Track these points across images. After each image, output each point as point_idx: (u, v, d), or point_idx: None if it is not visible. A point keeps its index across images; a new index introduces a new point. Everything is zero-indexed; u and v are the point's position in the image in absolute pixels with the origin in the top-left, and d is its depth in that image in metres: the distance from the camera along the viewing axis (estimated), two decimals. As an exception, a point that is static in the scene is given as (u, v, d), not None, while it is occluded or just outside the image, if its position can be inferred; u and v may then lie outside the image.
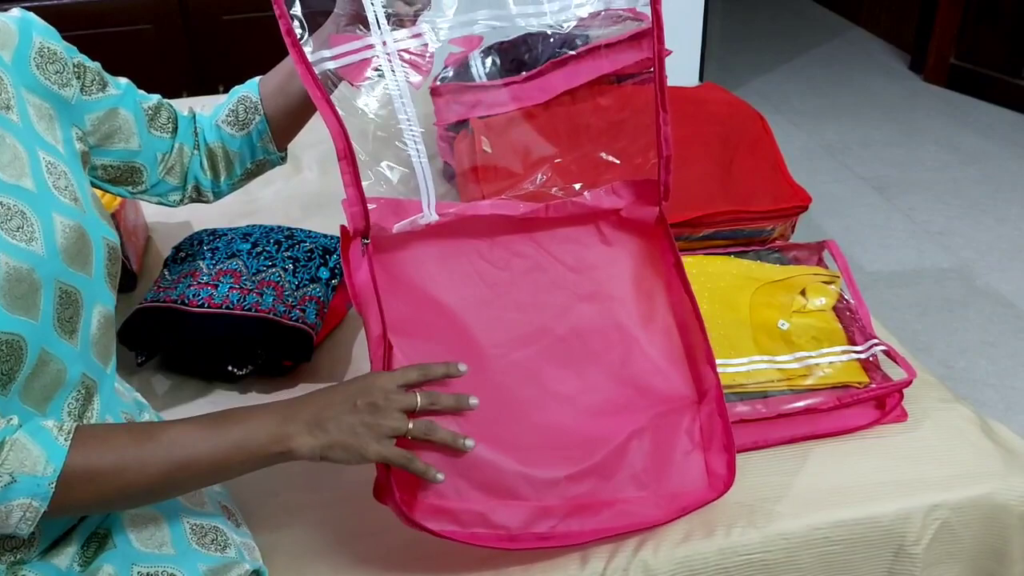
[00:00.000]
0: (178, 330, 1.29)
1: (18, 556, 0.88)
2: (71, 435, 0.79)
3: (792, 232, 1.55)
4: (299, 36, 0.90)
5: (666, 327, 1.11)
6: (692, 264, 1.40)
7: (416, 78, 0.94)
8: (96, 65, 1.03)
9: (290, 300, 1.33)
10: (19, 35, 0.92)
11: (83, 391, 0.90)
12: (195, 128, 1.14)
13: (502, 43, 1.74)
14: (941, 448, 1.18)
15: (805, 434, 1.19)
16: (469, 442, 0.92)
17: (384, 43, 0.92)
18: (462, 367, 0.94)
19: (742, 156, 1.55)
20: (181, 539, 0.94)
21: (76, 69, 0.99)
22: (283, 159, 1.19)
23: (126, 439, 0.83)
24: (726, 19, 4.63)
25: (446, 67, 1.77)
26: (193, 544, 0.95)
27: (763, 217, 1.48)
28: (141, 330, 1.31)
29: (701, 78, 3.42)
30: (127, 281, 1.50)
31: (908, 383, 1.21)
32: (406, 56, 0.93)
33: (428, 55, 0.95)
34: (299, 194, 1.83)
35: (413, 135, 0.94)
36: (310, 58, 0.89)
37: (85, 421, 0.91)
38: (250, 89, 1.14)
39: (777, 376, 1.23)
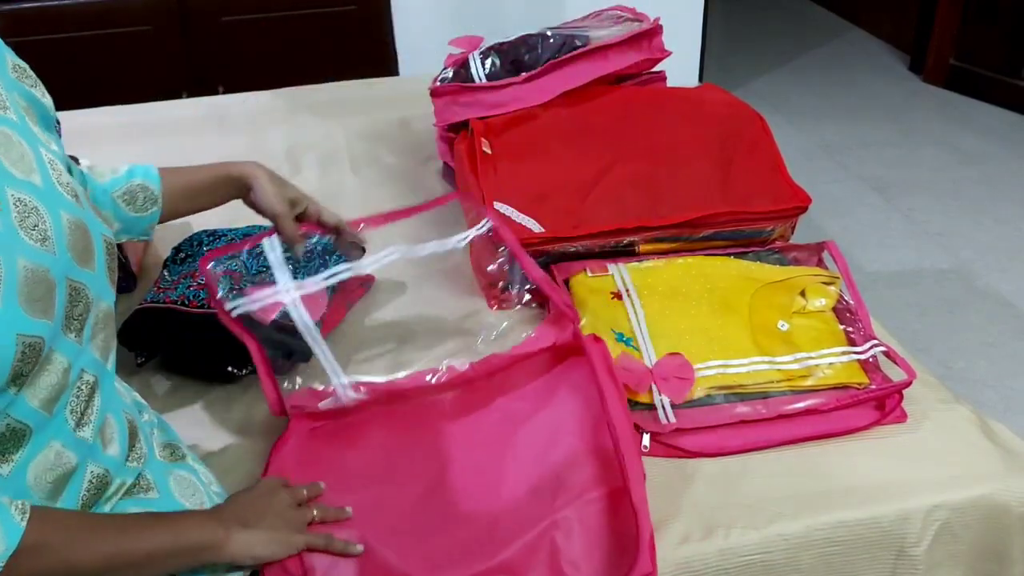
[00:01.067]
0: (178, 331, 1.29)
1: None
2: (27, 514, 0.80)
3: (792, 233, 1.55)
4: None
5: (597, 447, 1.10)
6: (692, 265, 1.40)
7: (315, 315, 1.18)
8: None
9: None
10: None
11: (84, 388, 0.90)
12: (86, 187, 1.14)
13: (502, 44, 1.74)
14: (941, 449, 1.18)
15: (805, 435, 1.19)
16: (358, 547, 1.01)
17: (288, 290, 1.17)
18: (322, 485, 1.07)
19: (742, 157, 1.55)
20: None
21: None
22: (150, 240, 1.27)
23: (76, 523, 0.85)
24: (726, 20, 4.63)
25: (446, 68, 1.77)
26: None
27: (763, 218, 1.48)
28: (141, 330, 1.31)
29: (701, 78, 3.42)
30: (127, 282, 1.50)
31: (908, 384, 1.22)
32: (306, 299, 1.17)
33: (323, 297, 1.22)
34: (299, 195, 1.83)
35: (322, 352, 1.15)
36: (227, 307, 1.14)
37: (86, 419, 0.91)
38: (150, 179, 1.17)
39: (777, 377, 1.23)
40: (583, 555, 0.99)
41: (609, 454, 1.06)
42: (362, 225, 1.28)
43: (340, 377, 1.13)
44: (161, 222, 1.21)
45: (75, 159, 1.12)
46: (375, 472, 1.11)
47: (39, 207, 0.85)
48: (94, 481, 0.92)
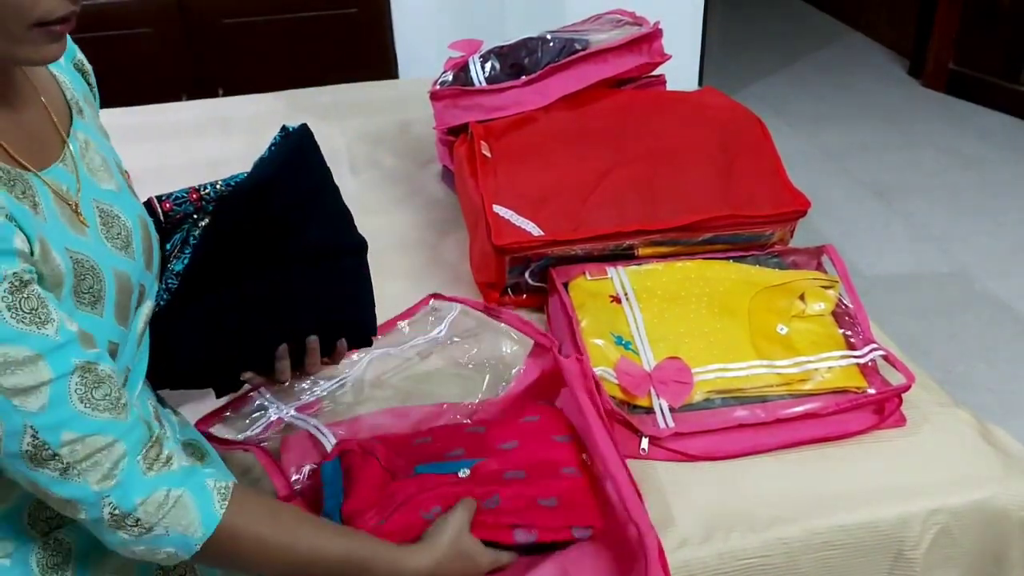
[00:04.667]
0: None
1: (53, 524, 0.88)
2: (227, 499, 0.83)
3: (791, 237, 1.55)
4: None
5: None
6: (691, 269, 1.40)
7: (310, 409, 1.24)
8: None
9: None
10: (67, 42, 0.95)
11: (122, 380, 0.91)
12: None
13: (501, 47, 1.74)
14: (940, 453, 1.18)
15: (804, 439, 1.19)
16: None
17: (281, 408, 1.22)
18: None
19: (741, 160, 1.55)
20: None
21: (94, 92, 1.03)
22: None
23: (273, 515, 0.87)
24: (726, 23, 4.63)
25: (446, 71, 1.77)
26: None
27: (762, 222, 1.48)
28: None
29: (700, 82, 3.43)
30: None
31: (907, 388, 1.22)
32: (299, 412, 1.22)
33: (315, 406, 1.24)
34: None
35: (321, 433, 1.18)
36: (239, 437, 1.17)
37: None
38: None
39: (776, 381, 1.23)
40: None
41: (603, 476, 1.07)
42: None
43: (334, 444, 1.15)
44: None
45: None
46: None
47: (120, 215, 0.89)
48: None
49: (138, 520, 0.78)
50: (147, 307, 0.95)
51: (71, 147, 0.87)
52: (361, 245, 1.13)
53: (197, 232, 1.04)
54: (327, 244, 1.09)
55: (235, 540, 0.83)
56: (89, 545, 0.89)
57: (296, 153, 1.09)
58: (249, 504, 0.85)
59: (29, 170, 0.80)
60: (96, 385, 0.76)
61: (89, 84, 1.00)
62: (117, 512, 0.77)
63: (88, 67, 1.00)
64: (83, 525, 0.80)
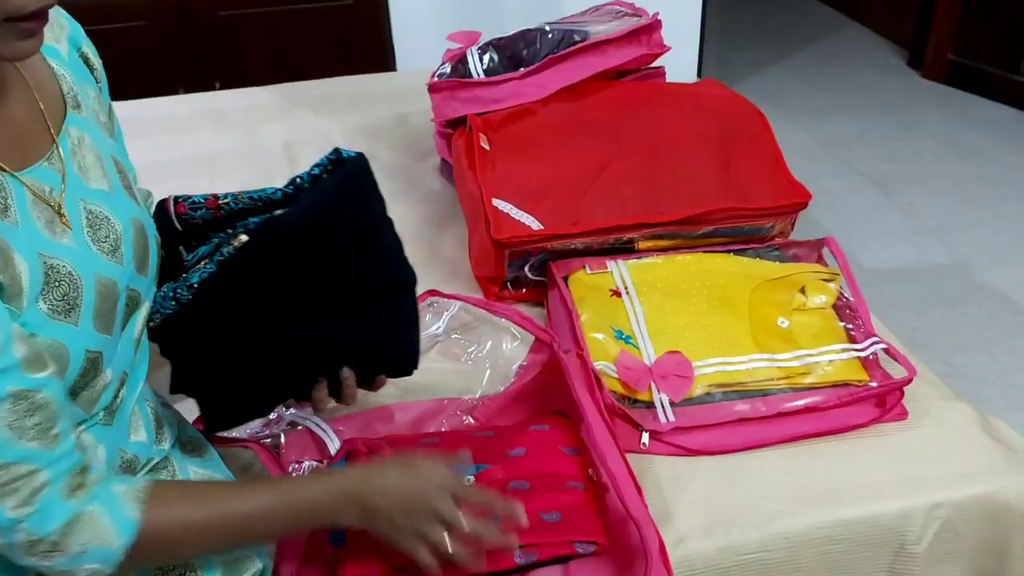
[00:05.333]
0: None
1: None
2: (139, 499, 0.81)
3: (792, 229, 1.54)
4: None
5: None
6: (691, 262, 1.39)
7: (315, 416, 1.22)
8: None
9: None
10: (70, 28, 0.93)
11: (118, 384, 0.90)
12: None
13: (500, 39, 1.73)
14: (942, 446, 1.17)
15: (805, 432, 1.19)
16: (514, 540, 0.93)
17: (282, 413, 1.22)
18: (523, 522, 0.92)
19: (741, 153, 1.54)
20: None
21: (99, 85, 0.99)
22: None
23: (191, 504, 0.84)
24: (725, 15, 4.62)
25: (444, 63, 1.76)
26: None
27: (762, 214, 1.47)
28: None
29: (700, 74, 3.41)
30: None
31: (908, 381, 1.21)
32: (299, 409, 1.22)
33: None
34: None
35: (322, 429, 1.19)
36: (244, 435, 1.18)
37: (114, 407, 0.90)
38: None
39: (777, 374, 1.23)
40: None
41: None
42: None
43: (335, 442, 1.15)
44: None
45: None
46: None
47: (110, 216, 0.86)
48: (123, 465, 0.92)
49: (54, 543, 0.77)
50: (144, 310, 0.93)
51: (60, 144, 0.84)
52: (412, 280, 1.09)
53: (228, 249, 0.98)
54: (383, 283, 1.05)
55: (160, 535, 0.81)
56: None
57: (353, 185, 1.03)
58: (166, 495, 0.83)
59: (5, 171, 0.78)
60: (29, 413, 0.74)
61: (96, 78, 0.96)
62: (32, 538, 0.76)
63: (95, 61, 0.97)
64: None
